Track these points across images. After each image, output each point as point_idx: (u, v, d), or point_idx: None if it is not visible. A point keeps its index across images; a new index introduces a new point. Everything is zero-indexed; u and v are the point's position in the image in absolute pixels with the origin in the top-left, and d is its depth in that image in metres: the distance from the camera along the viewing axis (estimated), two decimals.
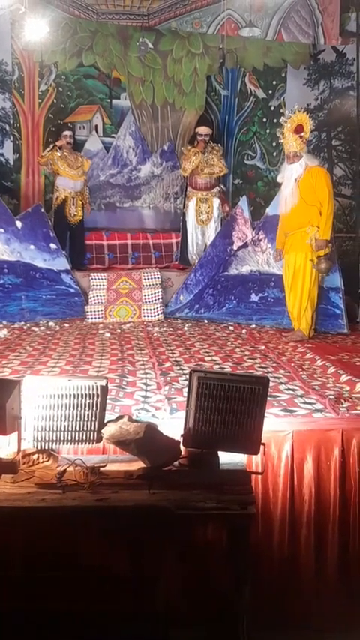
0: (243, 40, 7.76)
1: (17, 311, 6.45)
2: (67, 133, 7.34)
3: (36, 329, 5.91)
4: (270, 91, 8.27)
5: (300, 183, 5.32)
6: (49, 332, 5.76)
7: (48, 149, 7.31)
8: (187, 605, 2.59)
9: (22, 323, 6.23)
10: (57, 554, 2.41)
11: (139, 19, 7.89)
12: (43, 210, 7.07)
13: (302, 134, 5.34)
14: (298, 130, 5.32)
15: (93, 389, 2.50)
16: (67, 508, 2.27)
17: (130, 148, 8.34)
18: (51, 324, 6.19)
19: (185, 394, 2.69)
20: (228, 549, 2.54)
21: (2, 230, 6.56)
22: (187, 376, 2.60)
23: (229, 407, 2.48)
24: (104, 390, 2.53)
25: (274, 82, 8.23)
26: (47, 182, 8.13)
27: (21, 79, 8.03)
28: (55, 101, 8.23)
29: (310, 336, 5.35)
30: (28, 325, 6.13)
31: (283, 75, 8.14)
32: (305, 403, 3.26)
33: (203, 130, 7.30)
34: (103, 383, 2.53)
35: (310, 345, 5.02)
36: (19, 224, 6.69)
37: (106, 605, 2.40)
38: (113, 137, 8.36)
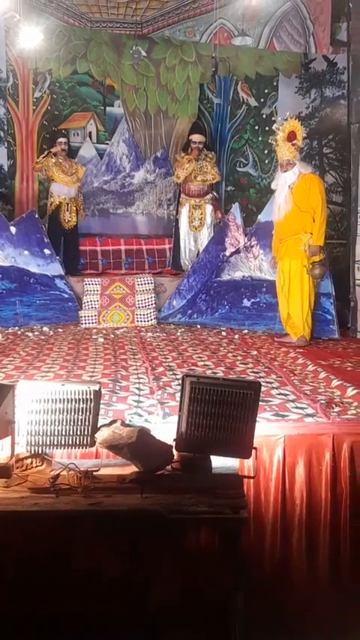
0: (235, 49, 7.83)
1: (11, 316, 6.46)
2: (61, 139, 7.38)
3: (30, 334, 5.92)
4: (262, 99, 8.34)
5: (293, 190, 5.38)
6: (42, 337, 5.77)
7: (43, 155, 7.34)
8: (180, 609, 2.60)
9: (16, 328, 6.24)
10: (50, 558, 2.42)
11: (132, 27, 7.94)
12: (37, 216, 7.09)
13: (295, 142, 5.39)
14: (291, 137, 5.38)
15: (86, 393, 2.52)
16: (60, 512, 2.29)
17: (124, 155, 8.39)
18: (45, 329, 6.21)
19: (178, 399, 2.71)
20: (220, 553, 2.56)
21: None
22: (180, 381, 2.62)
23: (221, 411, 2.51)
24: (97, 394, 2.55)
25: (266, 91, 8.30)
26: (41, 188, 8.16)
27: (15, 85, 8.06)
28: (49, 108, 8.26)
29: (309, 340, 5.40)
30: (22, 330, 6.14)
31: (275, 83, 8.21)
32: (297, 408, 3.29)
33: (197, 137, 7.36)
34: (97, 387, 2.56)
35: (301, 351, 5.06)
36: (13, 230, 6.71)
37: (100, 608, 2.41)
38: (107, 144, 8.40)
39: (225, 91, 8.42)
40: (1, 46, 7.79)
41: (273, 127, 5.52)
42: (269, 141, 8.04)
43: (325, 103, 8.11)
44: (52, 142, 7.57)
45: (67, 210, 7.34)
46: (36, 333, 6.01)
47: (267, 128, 8.26)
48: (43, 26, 7.07)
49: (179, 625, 2.55)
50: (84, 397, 2.52)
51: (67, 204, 7.34)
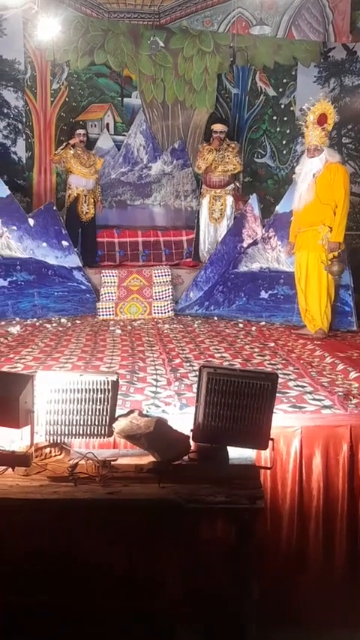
0: (253, 38, 7.78)
1: (30, 307, 6.52)
2: (80, 131, 7.38)
3: (48, 325, 5.97)
4: (280, 89, 8.28)
5: (317, 180, 5.21)
6: (61, 328, 5.82)
7: (61, 147, 7.35)
8: (194, 601, 2.62)
9: (35, 319, 6.30)
10: (68, 547, 2.45)
11: (150, 17, 7.92)
12: (55, 208, 7.13)
13: (325, 125, 5.20)
14: (321, 120, 5.18)
15: (104, 384, 2.54)
16: (78, 501, 2.32)
17: (141, 146, 8.38)
18: (63, 320, 6.26)
19: (195, 390, 2.72)
20: (236, 543, 2.57)
21: (15, 228, 6.62)
22: (197, 372, 2.63)
23: (238, 402, 2.51)
24: (115, 385, 2.57)
25: (285, 80, 8.23)
26: (59, 180, 8.19)
27: (33, 77, 8.09)
28: (67, 99, 8.28)
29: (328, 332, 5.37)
30: (40, 322, 6.19)
31: (294, 73, 8.14)
32: (314, 400, 3.29)
33: (218, 127, 7.31)
34: (114, 378, 2.57)
35: (319, 343, 5.04)
36: (31, 222, 6.75)
37: (115, 600, 2.43)
38: (124, 135, 8.41)
39: (243, 81, 8.37)
40: (19, 39, 7.82)
41: (303, 107, 5.30)
42: (287, 131, 8.07)
43: (344, 92, 8.03)
44: (69, 133, 7.58)
45: (85, 202, 7.36)
46: (54, 324, 6.05)
47: (285, 118, 8.22)
48: (61, 17, 7.10)
49: (193, 614, 2.57)
50: (102, 387, 2.53)
51: (85, 196, 7.36)
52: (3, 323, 6.03)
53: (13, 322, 6.07)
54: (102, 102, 8.40)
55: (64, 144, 7.34)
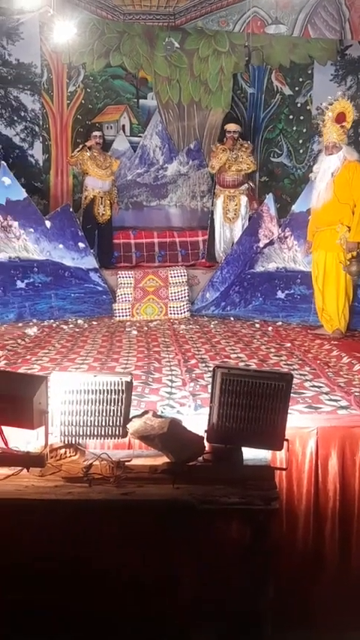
0: (269, 37, 7.75)
1: (47, 309, 6.56)
2: (96, 133, 7.39)
3: (65, 326, 6.00)
4: (296, 88, 8.24)
5: (335, 179, 5.17)
6: (77, 329, 5.84)
7: (77, 149, 7.37)
8: (208, 602, 2.61)
9: (52, 321, 6.33)
10: (82, 547, 2.45)
11: (165, 18, 7.92)
12: (71, 209, 7.17)
13: (344, 124, 5.17)
14: (340, 118, 5.15)
15: (118, 384, 2.54)
16: (93, 502, 2.32)
17: (157, 147, 8.39)
18: (79, 321, 6.28)
19: (210, 391, 2.71)
20: (251, 545, 2.56)
21: (32, 230, 6.66)
22: (212, 373, 2.62)
23: (253, 403, 2.50)
24: (129, 385, 2.57)
25: (301, 79, 8.19)
26: (76, 182, 8.24)
27: (50, 80, 8.15)
28: (83, 102, 8.33)
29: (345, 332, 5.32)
30: (57, 323, 6.23)
31: (310, 71, 8.10)
32: (330, 400, 3.26)
33: (232, 126, 7.28)
34: (128, 379, 2.58)
35: (336, 343, 5.00)
36: (48, 224, 6.79)
37: (129, 601, 2.43)
38: (140, 136, 8.43)
39: (259, 81, 8.34)
40: (35, 42, 7.88)
41: (321, 106, 5.27)
42: (303, 130, 8.02)
43: None
44: (86, 135, 7.60)
45: (102, 203, 7.38)
46: (70, 325, 6.08)
47: (302, 117, 8.18)
48: (77, 20, 7.13)
49: (208, 616, 2.56)
50: (116, 388, 2.54)
51: (102, 197, 7.38)
52: (20, 324, 6.07)
53: (30, 324, 6.11)
54: (118, 103, 8.44)
55: (81, 146, 7.36)
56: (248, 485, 2.40)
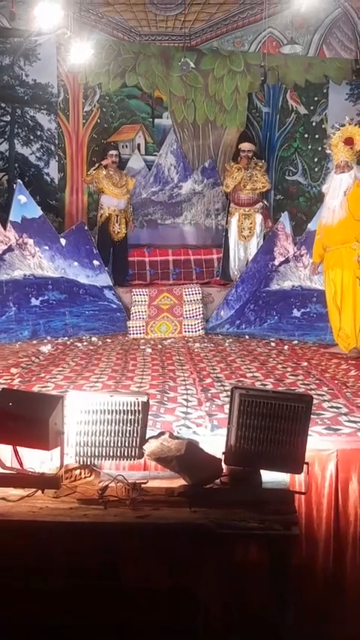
0: (284, 57, 7.78)
1: (61, 326, 6.56)
2: (113, 152, 7.43)
3: (79, 344, 5.99)
4: (311, 107, 8.26)
5: (349, 197, 5.21)
6: (91, 347, 5.82)
7: (93, 168, 7.41)
8: (225, 627, 2.54)
9: (66, 338, 6.32)
10: (98, 569, 2.41)
11: (181, 39, 8.00)
12: (86, 227, 7.19)
13: (352, 147, 5.25)
14: (348, 142, 5.23)
15: (135, 405, 2.51)
16: (108, 524, 2.28)
17: (172, 166, 8.43)
18: (94, 339, 6.27)
19: (226, 411, 2.67)
20: (270, 570, 2.50)
21: (47, 247, 6.69)
22: (229, 392, 2.58)
23: (272, 425, 2.45)
24: (146, 406, 2.53)
25: (316, 98, 8.21)
26: (91, 200, 8.29)
27: (66, 100, 8.24)
28: (98, 121, 8.41)
29: None
30: (71, 340, 6.21)
31: (325, 91, 8.12)
32: (349, 421, 3.19)
33: (246, 145, 7.31)
34: (145, 399, 2.54)
35: (354, 362, 4.93)
36: (63, 241, 6.82)
37: (145, 621, 2.38)
38: (155, 155, 8.47)
39: (274, 100, 8.37)
40: (52, 62, 7.99)
41: (329, 132, 5.39)
42: (318, 149, 8.03)
43: None
44: (101, 154, 7.66)
45: (117, 221, 7.40)
46: (85, 343, 6.07)
47: (317, 136, 8.18)
48: (93, 41, 7.22)
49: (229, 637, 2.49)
50: (132, 408, 2.50)
51: (117, 215, 7.40)
52: (35, 342, 6.07)
53: (45, 341, 6.11)
54: (133, 123, 8.51)
55: (97, 165, 7.41)
56: (267, 510, 2.35)
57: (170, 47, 8.08)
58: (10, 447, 2.60)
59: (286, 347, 5.75)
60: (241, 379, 4.32)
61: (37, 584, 2.32)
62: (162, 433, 2.62)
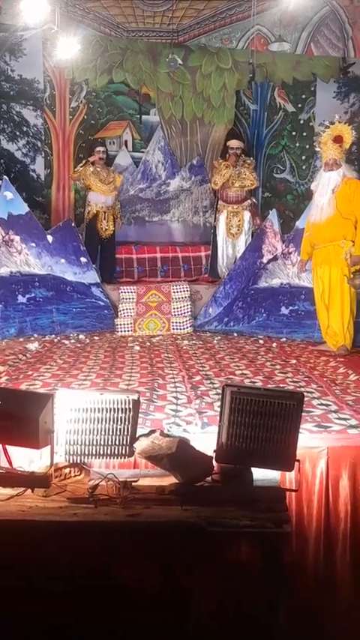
0: (272, 55, 7.78)
1: (48, 324, 6.51)
2: (100, 148, 7.38)
3: (66, 342, 5.95)
4: (299, 105, 8.27)
5: (337, 195, 5.22)
6: (79, 345, 5.79)
7: (81, 164, 7.36)
8: (218, 626, 2.54)
9: (53, 336, 6.28)
10: (89, 568, 2.39)
11: (168, 36, 7.96)
12: (73, 224, 7.14)
13: (341, 145, 5.27)
14: (337, 140, 5.25)
15: (125, 403, 2.49)
16: (99, 523, 2.26)
17: (160, 163, 8.40)
18: (81, 336, 6.23)
19: (216, 408, 2.66)
20: (262, 568, 2.49)
21: (34, 244, 6.63)
22: (218, 390, 2.57)
23: (263, 422, 2.44)
24: (136, 404, 2.51)
25: (304, 96, 8.22)
26: (78, 197, 8.23)
27: (52, 96, 8.18)
28: (85, 117, 8.35)
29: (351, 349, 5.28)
30: (58, 338, 6.17)
31: (313, 88, 8.13)
32: (339, 419, 3.20)
33: (234, 143, 7.31)
34: (135, 397, 2.52)
35: (342, 360, 4.94)
36: (50, 238, 6.77)
37: (137, 621, 2.36)
38: (143, 152, 8.44)
39: (262, 97, 8.37)
40: (38, 58, 7.91)
41: (318, 129, 5.41)
42: (306, 146, 8.05)
43: None
44: (88, 151, 7.61)
45: (105, 218, 7.36)
46: (72, 340, 6.03)
47: (304, 134, 8.20)
48: (80, 37, 7.16)
49: (220, 637, 2.48)
50: (123, 407, 2.48)
51: (105, 212, 7.35)
52: (21, 339, 6.02)
53: (32, 339, 6.06)
54: (120, 119, 8.47)
55: (84, 161, 7.35)
56: (258, 507, 2.34)
57: (158, 43, 8.04)
58: None
59: (274, 344, 5.76)
60: (230, 377, 4.32)
61: (26, 584, 2.30)
62: (153, 431, 2.61)
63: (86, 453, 2.50)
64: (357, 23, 7.65)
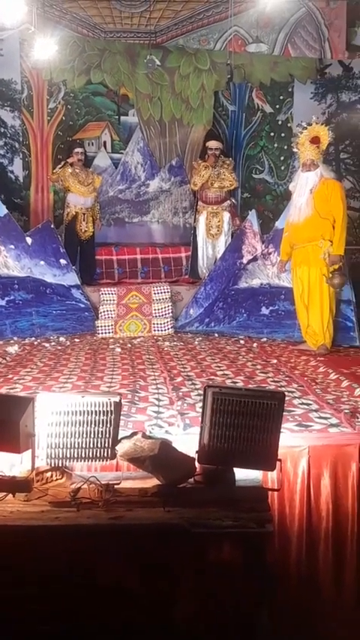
0: (250, 56, 7.82)
1: (28, 326, 6.46)
2: (78, 149, 7.33)
3: (47, 344, 5.90)
4: (277, 106, 8.32)
5: (314, 195, 5.26)
6: (59, 347, 5.75)
7: (59, 166, 7.31)
8: (203, 626, 2.54)
9: (33, 338, 6.23)
10: (72, 572, 2.37)
11: (146, 36, 7.96)
12: (52, 226, 7.10)
13: (318, 145, 5.32)
14: (314, 141, 5.30)
15: (107, 405, 2.47)
16: (81, 527, 2.24)
17: (139, 164, 8.39)
18: (61, 339, 6.19)
19: (198, 409, 2.66)
20: (245, 567, 2.50)
21: (12, 246, 6.58)
22: (200, 391, 2.57)
23: (245, 422, 2.45)
24: (118, 406, 2.50)
25: (281, 97, 8.27)
26: (57, 198, 8.19)
27: (30, 97, 8.12)
28: (63, 118, 8.31)
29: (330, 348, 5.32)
30: (38, 341, 6.13)
31: (290, 89, 8.18)
32: (320, 418, 3.22)
33: (213, 144, 7.31)
34: (117, 399, 2.51)
35: (322, 359, 4.98)
36: (29, 240, 6.71)
37: (122, 623, 2.35)
38: (122, 153, 8.42)
39: (240, 98, 8.40)
40: (15, 58, 7.86)
41: (296, 131, 5.46)
42: (284, 147, 8.10)
43: (341, 108, 8.08)
44: (67, 152, 7.57)
45: (84, 220, 7.32)
46: (52, 343, 5.99)
47: (282, 134, 8.25)
48: (58, 37, 7.13)
49: (203, 637, 2.49)
50: (104, 409, 2.47)
51: (84, 214, 7.31)
52: (1, 343, 5.97)
53: (11, 342, 6.01)
54: (99, 120, 8.44)
55: (63, 163, 7.30)
56: (241, 508, 2.34)
57: (136, 44, 8.04)
58: None
59: (254, 344, 5.78)
60: (212, 377, 4.33)
61: (8, 590, 2.27)
62: (135, 433, 2.60)
63: (68, 456, 2.48)
64: (333, 25, 7.74)
